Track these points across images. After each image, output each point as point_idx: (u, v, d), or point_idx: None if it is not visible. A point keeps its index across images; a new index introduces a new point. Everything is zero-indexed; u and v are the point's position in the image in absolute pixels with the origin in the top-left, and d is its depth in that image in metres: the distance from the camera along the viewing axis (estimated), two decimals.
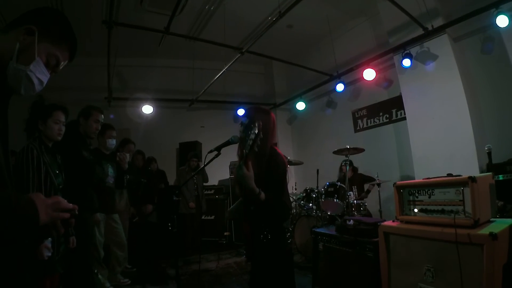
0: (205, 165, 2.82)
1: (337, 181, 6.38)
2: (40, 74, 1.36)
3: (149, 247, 6.44)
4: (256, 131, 2.23)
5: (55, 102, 3.03)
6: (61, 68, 1.48)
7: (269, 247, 2.47)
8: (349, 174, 6.16)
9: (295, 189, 8.20)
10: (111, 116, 4.14)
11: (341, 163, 6.76)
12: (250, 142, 2.24)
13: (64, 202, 1.30)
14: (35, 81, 1.36)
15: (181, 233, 6.97)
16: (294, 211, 7.36)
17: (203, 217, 7.78)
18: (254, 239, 2.54)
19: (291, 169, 8.52)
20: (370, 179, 6.49)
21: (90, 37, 7.08)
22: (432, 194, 2.82)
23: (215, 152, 2.61)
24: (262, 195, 2.37)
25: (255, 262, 2.67)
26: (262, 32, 6.38)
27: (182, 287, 4.99)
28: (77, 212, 1.36)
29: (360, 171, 6.87)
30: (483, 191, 2.64)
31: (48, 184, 2.71)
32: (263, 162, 2.49)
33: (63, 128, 3.01)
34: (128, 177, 5.05)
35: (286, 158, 5.49)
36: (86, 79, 8.35)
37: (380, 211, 5.80)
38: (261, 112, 2.68)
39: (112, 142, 4.74)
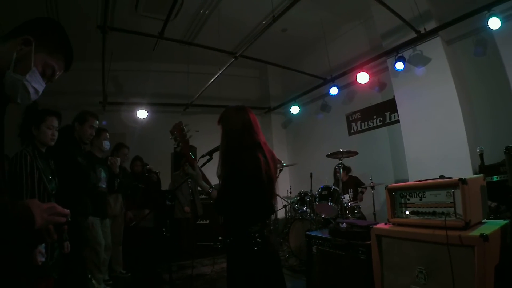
0: None
1: (333, 184, 6.41)
2: (36, 84, 1.39)
3: (144, 252, 6.42)
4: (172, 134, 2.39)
5: (48, 107, 3.04)
6: (56, 77, 1.51)
7: (230, 250, 2.37)
8: (344, 177, 6.17)
9: (290, 192, 8.20)
10: (104, 122, 4.18)
11: (335, 167, 6.77)
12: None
13: (59, 207, 1.34)
14: (31, 91, 1.38)
15: (176, 238, 6.95)
16: (289, 214, 7.37)
17: (198, 222, 7.76)
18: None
19: (285, 173, 8.53)
20: (361, 184, 6.57)
21: (85, 42, 7.07)
22: (424, 197, 2.84)
23: (208, 157, 2.61)
24: (214, 193, 2.35)
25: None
26: (256, 36, 6.40)
27: None
28: (69, 218, 1.38)
29: (354, 173, 6.88)
30: (474, 193, 2.65)
31: (42, 190, 2.70)
32: (226, 163, 2.38)
33: (56, 134, 3.02)
34: (118, 181, 5.05)
35: (281, 161, 5.42)
36: (81, 83, 8.31)
37: (374, 214, 5.80)
38: (227, 112, 2.57)
39: (108, 144, 4.79)
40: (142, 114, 8.37)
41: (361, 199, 6.43)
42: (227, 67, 7.36)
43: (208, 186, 2.35)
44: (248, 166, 2.30)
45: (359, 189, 6.57)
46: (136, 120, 8.51)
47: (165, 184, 8.19)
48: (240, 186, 2.29)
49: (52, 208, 1.30)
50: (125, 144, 5.98)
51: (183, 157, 7.34)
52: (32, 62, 1.36)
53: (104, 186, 4.71)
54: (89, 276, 4.08)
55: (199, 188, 7.50)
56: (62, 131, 3.18)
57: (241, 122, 2.44)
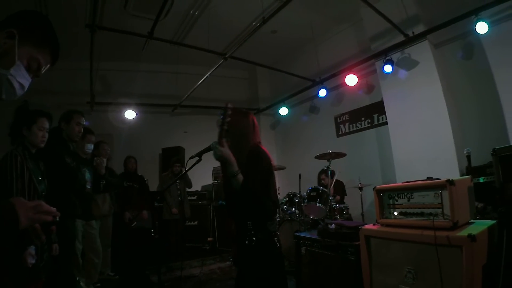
0: (186, 171, 2.81)
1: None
2: (21, 78, 1.34)
3: (132, 253, 6.37)
4: (224, 111, 2.32)
5: (40, 108, 3.01)
6: (43, 72, 1.46)
7: (254, 252, 2.39)
8: (330, 182, 6.20)
9: (278, 193, 8.20)
10: (86, 123, 4.15)
11: (319, 173, 6.86)
12: (220, 122, 2.33)
13: (46, 205, 1.29)
14: (16, 86, 1.33)
15: (165, 239, 6.91)
16: (278, 215, 7.37)
17: (187, 223, 7.72)
18: (239, 243, 2.47)
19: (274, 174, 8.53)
20: (343, 192, 6.74)
21: (73, 41, 7.00)
22: (412, 198, 2.86)
23: (197, 158, 2.59)
24: (240, 176, 2.33)
25: (240, 268, 2.60)
26: (246, 37, 6.41)
27: None
28: (58, 219, 1.34)
29: (342, 175, 6.92)
30: (462, 194, 2.69)
31: (32, 191, 2.66)
32: (243, 160, 2.44)
33: (47, 135, 2.98)
34: (104, 182, 4.97)
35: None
36: (69, 83, 8.24)
37: (363, 215, 5.85)
38: (235, 114, 2.57)
39: (91, 147, 4.70)
40: (130, 114, 8.28)
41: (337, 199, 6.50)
42: (216, 68, 7.35)
43: (237, 167, 2.35)
44: (265, 159, 2.47)
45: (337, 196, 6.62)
46: (124, 120, 8.41)
47: (153, 186, 8.15)
48: (264, 178, 2.42)
49: (38, 206, 1.26)
50: (103, 140, 5.86)
51: (172, 157, 7.40)
52: (16, 56, 1.30)
53: (89, 187, 4.64)
54: (77, 278, 4.02)
55: (187, 189, 7.57)
56: (51, 133, 3.14)
57: (250, 124, 2.62)
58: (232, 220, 2.61)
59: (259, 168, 2.41)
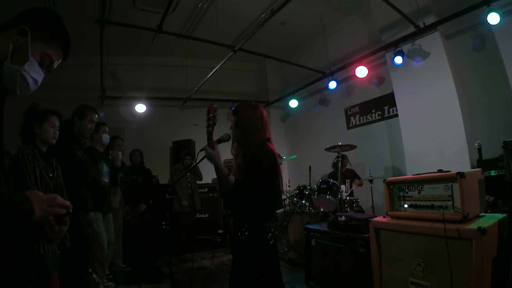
0: (196, 163, 2.84)
1: (329, 176, 6.46)
2: (34, 74, 1.37)
3: (143, 246, 6.43)
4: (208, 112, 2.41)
5: (49, 108, 3.08)
6: (55, 67, 1.49)
7: (244, 245, 2.41)
8: (342, 168, 6.19)
9: (289, 186, 8.22)
10: (101, 114, 4.26)
11: (334, 160, 6.83)
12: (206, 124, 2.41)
13: (60, 199, 1.31)
14: (30, 81, 1.36)
15: (175, 232, 6.96)
16: (288, 208, 7.38)
17: (197, 215, 7.77)
18: (234, 236, 2.50)
19: (284, 166, 8.54)
20: (358, 176, 6.59)
21: (83, 36, 7.05)
22: (422, 190, 2.86)
23: None
24: (232, 177, 2.35)
25: (233, 259, 2.65)
26: (254, 30, 6.38)
27: (176, 285, 4.99)
28: (71, 211, 1.37)
29: (352, 167, 6.91)
30: (472, 187, 2.67)
31: (43, 186, 2.71)
32: (248, 156, 2.47)
33: (57, 133, 3.04)
34: (121, 174, 5.04)
35: (280, 156, 5.45)
36: (79, 77, 8.32)
37: (373, 207, 5.83)
38: (245, 107, 2.66)
39: (107, 137, 4.76)
40: (140, 108, 8.35)
41: (360, 184, 6.45)
42: (225, 61, 7.36)
43: (226, 169, 2.37)
44: (267, 159, 2.46)
45: (356, 181, 6.59)
46: (135, 114, 8.49)
47: (164, 179, 8.21)
48: (263, 178, 2.40)
49: (52, 199, 1.28)
50: (118, 135, 5.93)
51: (182, 150, 7.43)
52: (29, 52, 1.34)
53: (107, 180, 4.69)
54: (90, 270, 4.08)
55: (198, 182, 7.61)
56: (62, 126, 3.19)
57: (260, 118, 2.60)
58: (230, 216, 2.64)
59: (259, 168, 2.40)
